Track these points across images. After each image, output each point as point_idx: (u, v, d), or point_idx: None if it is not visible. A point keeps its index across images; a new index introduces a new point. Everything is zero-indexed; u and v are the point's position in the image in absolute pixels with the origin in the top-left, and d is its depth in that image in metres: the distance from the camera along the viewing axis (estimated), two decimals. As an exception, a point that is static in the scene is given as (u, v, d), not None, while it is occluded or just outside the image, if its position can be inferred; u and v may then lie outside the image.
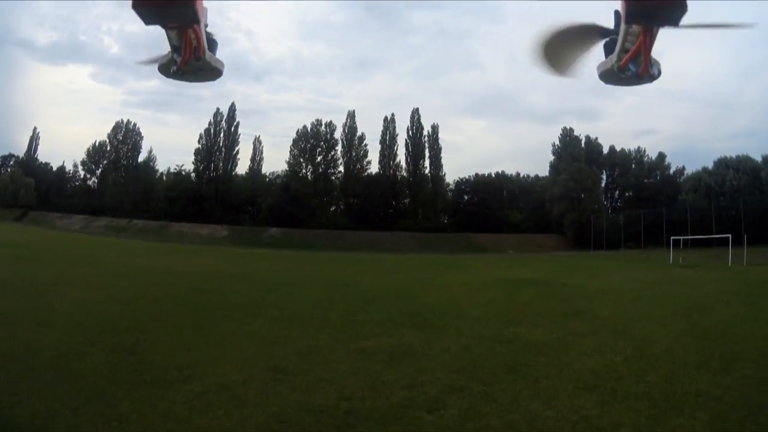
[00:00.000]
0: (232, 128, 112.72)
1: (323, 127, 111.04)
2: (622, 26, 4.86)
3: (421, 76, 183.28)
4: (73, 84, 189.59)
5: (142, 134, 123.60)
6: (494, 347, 11.73)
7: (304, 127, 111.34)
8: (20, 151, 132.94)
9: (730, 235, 42.25)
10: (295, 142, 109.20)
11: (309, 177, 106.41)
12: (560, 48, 5.32)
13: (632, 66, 4.95)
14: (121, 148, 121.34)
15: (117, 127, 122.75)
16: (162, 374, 9.38)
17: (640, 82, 5.30)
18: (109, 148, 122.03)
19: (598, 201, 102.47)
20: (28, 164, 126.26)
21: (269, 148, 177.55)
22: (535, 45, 5.20)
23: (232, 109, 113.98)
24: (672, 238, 49.81)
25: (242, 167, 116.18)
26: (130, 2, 4.22)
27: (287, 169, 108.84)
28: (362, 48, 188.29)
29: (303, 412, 7.76)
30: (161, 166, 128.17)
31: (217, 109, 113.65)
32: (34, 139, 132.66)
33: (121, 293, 18.93)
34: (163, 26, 4.85)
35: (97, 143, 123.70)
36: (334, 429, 7.19)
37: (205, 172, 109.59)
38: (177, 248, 60.84)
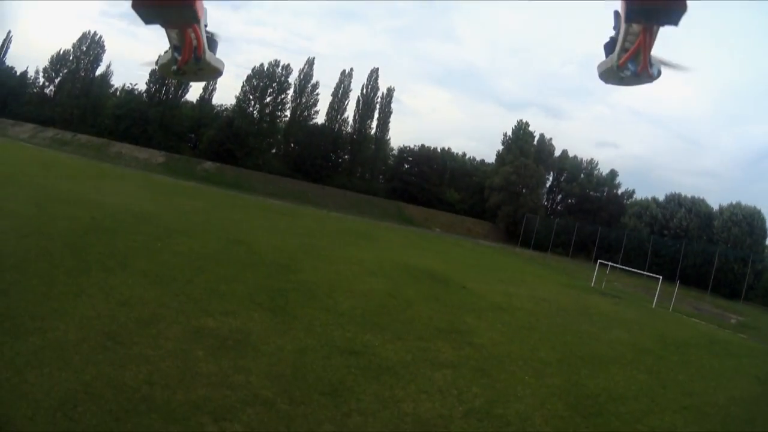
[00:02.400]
0: None
1: (279, 68, 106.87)
2: (622, 26, 5.00)
3: (396, 37, 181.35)
4: None
5: (105, 47, 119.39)
6: (333, 356, 11.60)
7: (261, 65, 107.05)
8: None
9: (660, 277, 41.16)
10: (249, 78, 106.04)
11: (255, 115, 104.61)
12: None
13: (631, 65, 5.09)
14: (82, 59, 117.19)
15: (83, 37, 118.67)
16: (20, 322, 9.90)
17: (639, 82, 5.32)
18: (71, 58, 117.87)
19: (538, 200, 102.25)
20: None
21: (231, 79, 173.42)
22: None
23: None
24: (599, 261, 48.79)
25: (195, 95, 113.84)
26: (130, 2, 4.22)
27: (235, 104, 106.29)
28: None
29: (107, 388, 8.10)
30: (120, 82, 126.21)
31: None
32: (7, 42, 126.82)
33: (25, 224, 19.17)
34: (163, 26, 4.96)
35: (61, 51, 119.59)
36: (120, 415, 7.48)
37: (156, 95, 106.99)
38: (108, 171, 59.83)
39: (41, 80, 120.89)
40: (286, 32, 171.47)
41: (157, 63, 5.41)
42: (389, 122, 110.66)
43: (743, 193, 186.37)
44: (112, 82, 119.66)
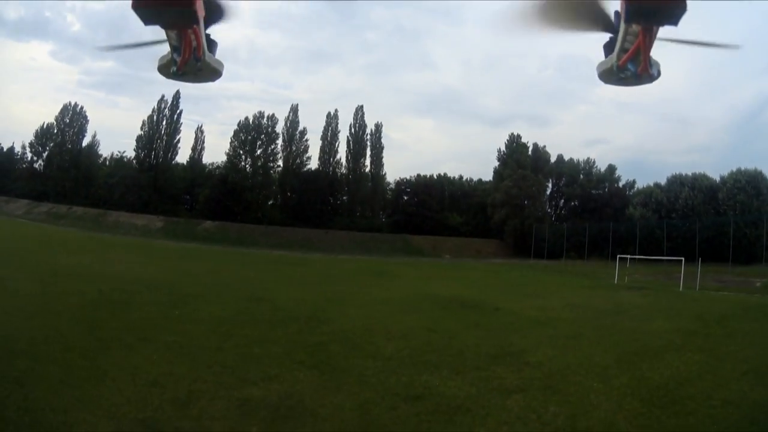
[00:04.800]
0: (175, 116, 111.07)
1: (265, 119, 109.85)
2: (622, 26, 5.08)
3: (374, 72, 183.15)
4: (33, 61, 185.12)
5: (88, 117, 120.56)
6: (398, 406, 10.50)
7: (246, 118, 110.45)
8: None
9: (683, 259, 41.22)
10: (236, 133, 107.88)
11: (248, 170, 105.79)
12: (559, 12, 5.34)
13: (631, 66, 5.22)
14: (67, 131, 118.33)
15: (65, 109, 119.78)
16: (41, 416, 8.77)
17: (639, 82, 5.59)
18: (56, 131, 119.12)
19: (542, 209, 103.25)
20: None
21: (216, 137, 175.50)
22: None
23: (177, 96, 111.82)
24: (619, 255, 48.39)
25: (185, 156, 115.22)
26: (130, 2, 4.46)
27: (226, 160, 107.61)
28: (317, 40, 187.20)
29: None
30: (108, 151, 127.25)
31: (162, 96, 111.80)
32: None
33: (30, 303, 18.10)
34: (163, 27, 5.05)
35: (45, 125, 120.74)
36: None
37: (146, 160, 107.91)
38: (108, 241, 59.67)
39: (29, 155, 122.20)
40: (263, 83, 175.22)
41: (115, 47, 6.01)
42: (382, 157, 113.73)
43: (739, 159, 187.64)
44: (100, 152, 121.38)
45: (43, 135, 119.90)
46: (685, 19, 4.75)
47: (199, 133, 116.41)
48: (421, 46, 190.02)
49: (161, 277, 28.66)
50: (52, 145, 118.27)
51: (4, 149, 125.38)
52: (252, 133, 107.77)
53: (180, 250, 56.13)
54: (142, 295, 22.15)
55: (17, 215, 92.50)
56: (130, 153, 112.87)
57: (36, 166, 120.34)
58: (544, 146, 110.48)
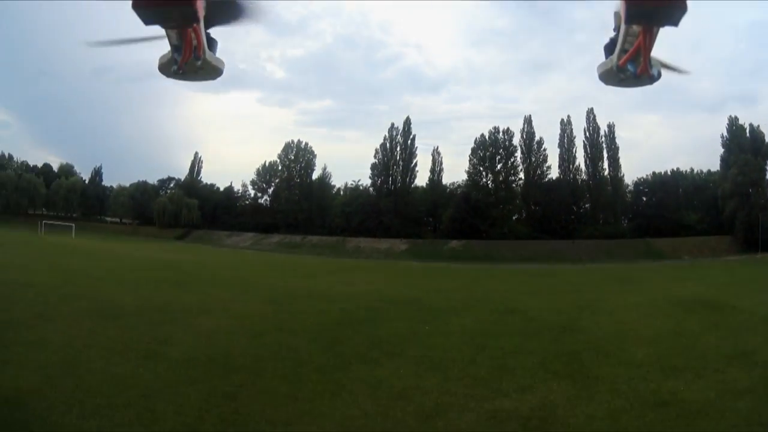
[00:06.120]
0: (409, 141, 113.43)
1: (501, 134, 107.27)
2: (622, 27, 5.08)
3: (593, 73, 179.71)
4: (239, 109, 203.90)
5: (315, 152, 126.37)
6: (646, 413, 10.06)
7: (482, 135, 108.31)
8: (181, 174, 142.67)
9: None
10: (474, 151, 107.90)
11: (489, 186, 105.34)
12: None
13: (631, 66, 5.20)
14: (293, 167, 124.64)
15: (287, 147, 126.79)
16: (256, 428, 8.92)
17: (640, 83, 5.58)
18: (280, 168, 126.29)
19: (764, 196, 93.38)
20: (191, 186, 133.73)
21: (452, 158, 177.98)
22: None
23: (407, 122, 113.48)
24: None
25: (422, 179, 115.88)
26: (130, 2, 4.44)
27: (467, 179, 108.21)
28: (531, 50, 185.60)
29: None
30: (338, 182, 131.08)
31: (392, 124, 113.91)
32: (196, 163, 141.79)
33: (258, 323, 18.75)
34: (163, 26, 5.03)
35: (266, 163, 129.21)
36: None
37: (383, 186, 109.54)
38: (351, 264, 61.07)
39: (251, 192, 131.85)
40: (490, 100, 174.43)
41: (116, 42, 5.67)
42: (618, 158, 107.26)
43: None
44: (332, 183, 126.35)
45: (266, 172, 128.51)
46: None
47: (436, 155, 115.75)
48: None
49: (408, 295, 28.78)
50: (277, 180, 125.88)
51: (221, 189, 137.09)
52: (490, 149, 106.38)
53: (426, 268, 56.77)
54: (389, 311, 22.34)
55: (243, 247, 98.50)
56: (365, 181, 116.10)
57: (261, 201, 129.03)
58: (758, 126, 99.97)
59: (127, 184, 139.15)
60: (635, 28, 4.92)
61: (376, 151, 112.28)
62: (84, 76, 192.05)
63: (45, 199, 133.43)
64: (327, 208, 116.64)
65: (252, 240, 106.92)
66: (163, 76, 5.86)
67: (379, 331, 17.58)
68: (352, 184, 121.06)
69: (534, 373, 12.62)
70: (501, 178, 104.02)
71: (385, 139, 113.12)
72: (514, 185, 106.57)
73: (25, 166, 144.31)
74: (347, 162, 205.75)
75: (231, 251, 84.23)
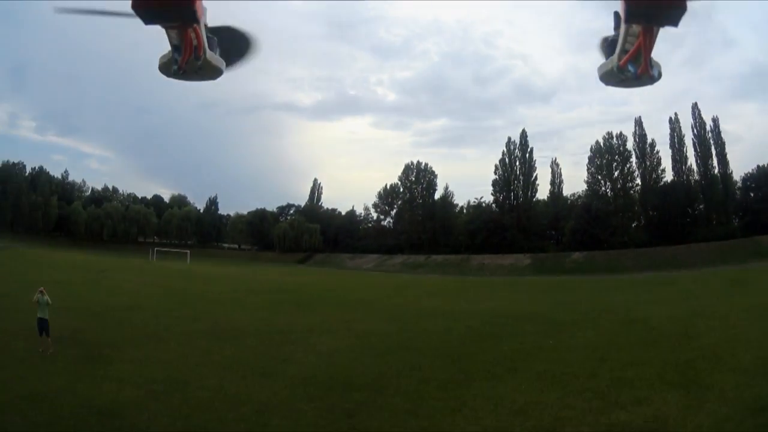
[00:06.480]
0: (527, 155, 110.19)
1: (615, 139, 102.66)
2: (622, 27, 5.01)
3: (688, 63, 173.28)
4: (353, 134, 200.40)
5: (436, 172, 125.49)
6: (745, 421, 10.10)
7: (597, 142, 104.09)
8: (301, 201, 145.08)
9: None
10: (591, 159, 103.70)
11: (608, 194, 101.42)
12: None
13: (631, 67, 5.13)
14: (414, 188, 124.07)
15: (407, 168, 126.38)
16: None
17: (640, 84, 5.54)
18: (401, 190, 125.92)
19: None
20: (311, 212, 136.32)
21: (570, 168, 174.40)
22: None
23: (524, 135, 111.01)
24: None
25: (543, 192, 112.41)
26: (130, 2, 4.43)
27: (587, 188, 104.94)
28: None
29: None
30: (460, 200, 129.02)
31: (509, 138, 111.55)
32: (315, 189, 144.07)
33: (382, 342, 19.22)
34: (163, 26, 5.01)
35: (388, 186, 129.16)
36: None
37: (505, 202, 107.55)
38: (473, 283, 61.21)
39: (374, 214, 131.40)
40: (600, 105, 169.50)
41: (71, 10, 5.30)
42: (726, 154, 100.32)
43: None
44: (455, 202, 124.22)
45: (387, 195, 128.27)
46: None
47: (555, 166, 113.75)
48: (717, 24, 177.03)
49: (532, 310, 28.84)
50: (399, 202, 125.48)
51: (343, 213, 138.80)
52: (606, 156, 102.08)
53: (548, 283, 56.06)
54: (513, 327, 22.64)
55: (366, 269, 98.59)
56: (487, 198, 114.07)
57: (384, 223, 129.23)
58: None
59: (245, 212, 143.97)
60: (635, 28, 4.93)
61: (496, 167, 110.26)
62: (189, 110, 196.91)
63: (157, 228, 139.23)
64: (450, 226, 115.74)
65: (375, 261, 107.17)
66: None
67: (502, 347, 17.90)
68: (474, 202, 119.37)
69: (651, 384, 12.68)
70: (619, 186, 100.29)
71: (503, 154, 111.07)
72: (631, 191, 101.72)
73: (132, 197, 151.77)
74: (469, 180, 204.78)
75: (354, 273, 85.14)
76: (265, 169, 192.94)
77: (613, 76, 5.43)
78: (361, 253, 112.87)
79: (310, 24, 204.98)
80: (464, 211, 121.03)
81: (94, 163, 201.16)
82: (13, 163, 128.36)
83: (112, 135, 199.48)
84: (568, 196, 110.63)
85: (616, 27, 5.18)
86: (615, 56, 5.26)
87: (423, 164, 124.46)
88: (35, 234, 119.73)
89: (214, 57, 5.53)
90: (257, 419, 10.31)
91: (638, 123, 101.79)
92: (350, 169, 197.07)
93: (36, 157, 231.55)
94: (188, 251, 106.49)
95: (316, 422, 10.27)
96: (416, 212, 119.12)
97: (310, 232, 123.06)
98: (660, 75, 5.32)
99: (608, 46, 5.50)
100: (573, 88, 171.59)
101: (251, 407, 11.00)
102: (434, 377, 13.82)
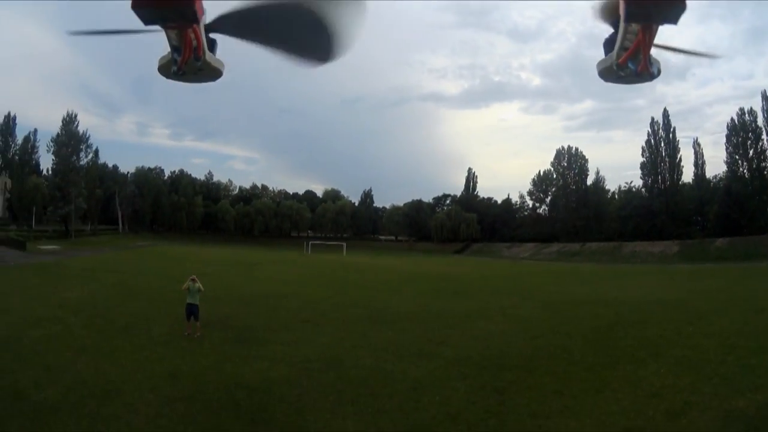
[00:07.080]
0: (670, 135, 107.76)
1: (746, 115, 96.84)
2: (622, 25, 5.14)
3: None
4: (503, 122, 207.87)
5: (586, 157, 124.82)
6: None
7: (732, 119, 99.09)
8: (456, 190, 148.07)
9: None
10: (728, 138, 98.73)
11: (746, 175, 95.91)
12: None
13: (631, 64, 5.30)
14: (567, 174, 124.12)
15: (559, 154, 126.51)
16: (513, 419, 10.15)
17: (639, 81, 5.69)
18: (555, 176, 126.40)
19: None
20: (467, 201, 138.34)
21: (712, 148, 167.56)
22: None
23: (666, 114, 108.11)
24: None
25: (688, 175, 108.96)
26: (130, 2, 4.55)
27: (726, 169, 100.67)
28: (747, 17, 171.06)
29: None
30: (611, 185, 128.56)
31: (652, 118, 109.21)
32: (470, 179, 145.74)
33: (534, 327, 20.17)
34: (163, 26, 5.09)
35: (541, 172, 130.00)
36: None
37: (654, 186, 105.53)
38: (626, 270, 61.13)
39: (529, 202, 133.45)
40: (731, 79, 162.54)
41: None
42: None
43: None
44: (606, 187, 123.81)
45: (541, 182, 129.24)
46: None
47: (696, 146, 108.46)
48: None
49: (677, 297, 29.09)
50: (554, 189, 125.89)
51: (498, 202, 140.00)
52: (741, 134, 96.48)
53: (692, 270, 55.07)
54: (658, 314, 22.92)
55: (522, 258, 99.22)
56: (637, 182, 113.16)
57: (540, 211, 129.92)
58: None
59: (401, 204, 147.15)
60: (634, 25, 5.07)
61: (643, 149, 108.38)
62: (332, 108, 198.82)
63: (310, 222, 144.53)
64: (603, 213, 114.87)
65: (531, 250, 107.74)
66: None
67: (647, 332, 18.42)
68: (624, 187, 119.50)
69: (770, 372, 12.81)
70: (754, 166, 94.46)
71: (648, 135, 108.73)
72: (765, 172, 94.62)
73: (283, 193, 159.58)
74: (618, 163, 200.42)
75: (510, 262, 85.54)
76: (417, 160, 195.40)
77: (612, 73, 5.64)
78: (518, 242, 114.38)
79: (443, 14, 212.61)
80: (615, 196, 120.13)
81: (238, 164, 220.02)
82: (149, 168, 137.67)
83: (255, 137, 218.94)
84: (710, 178, 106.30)
85: (616, 25, 5.36)
86: (614, 53, 5.46)
87: (574, 149, 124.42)
88: (178, 232, 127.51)
89: (213, 58, 5.68)
90: (410, 395, 11.29)
91: (765, 97, 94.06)
92: (503, 157, 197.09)
93: (174, 162, 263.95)
94: (344, 243, 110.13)
95: (467, 398, 11.15)
96: (570, 199, 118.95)
97: (467, 222, 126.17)
98: (659, 72, 5.51)
99: (607, 43, 5.68)
100: (704, 61, 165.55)
101: (405, 384, 12.06)
102: (582, 360, 14.53)
